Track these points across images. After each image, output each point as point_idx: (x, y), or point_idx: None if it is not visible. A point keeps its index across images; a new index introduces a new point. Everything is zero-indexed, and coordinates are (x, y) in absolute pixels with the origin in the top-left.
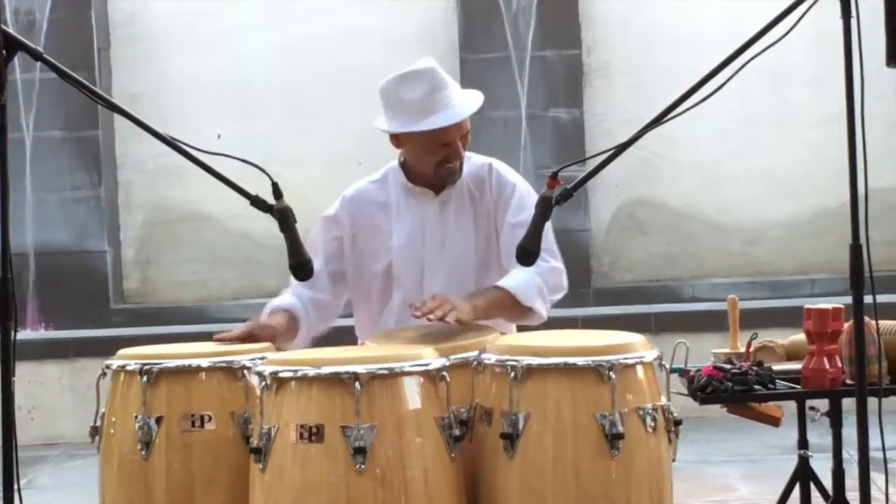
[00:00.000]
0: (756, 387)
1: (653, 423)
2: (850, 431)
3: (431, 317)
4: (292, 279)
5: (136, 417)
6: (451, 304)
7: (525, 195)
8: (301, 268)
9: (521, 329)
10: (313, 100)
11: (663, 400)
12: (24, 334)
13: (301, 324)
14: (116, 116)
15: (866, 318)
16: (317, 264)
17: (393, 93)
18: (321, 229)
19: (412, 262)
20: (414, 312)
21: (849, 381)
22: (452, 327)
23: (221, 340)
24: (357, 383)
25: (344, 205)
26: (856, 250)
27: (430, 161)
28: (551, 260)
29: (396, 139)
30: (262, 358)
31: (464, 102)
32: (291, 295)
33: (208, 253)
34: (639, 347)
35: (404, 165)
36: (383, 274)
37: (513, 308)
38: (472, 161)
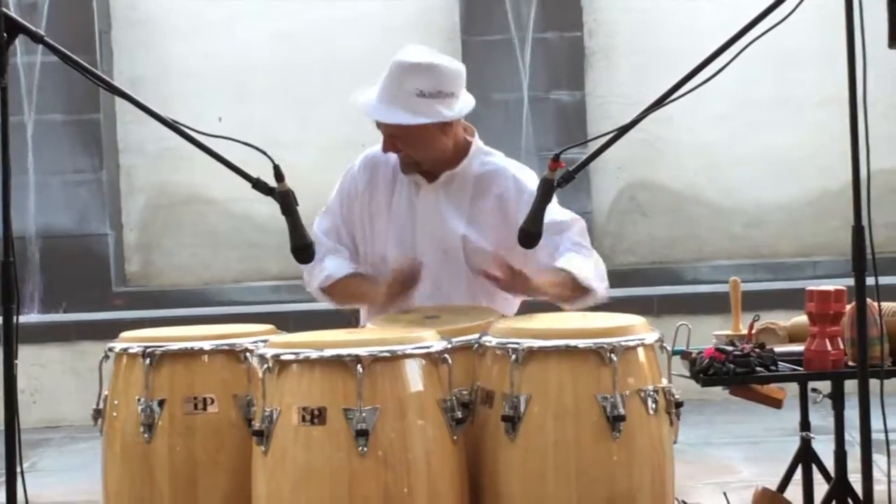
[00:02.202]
0: (758, 369)
1: (654, 406)
2: (851, 413)
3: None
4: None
5: (139, 400)
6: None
7: None
8: (303, 250)
9: (520, 312)
10: (314, 85)
11: (665, 382)
12: (26, 317)
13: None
14: (118, 99)
15: (868, 300)
16: (338, 221)
17: None
18: (342, 179)
19: (403, 248)
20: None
21: (851, 363)
22: (455, 309)
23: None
24: (359, 366)
25: (362, 164)
26: (858, 232)
27: None
28: (595, 252)
29: None
30: (265, 341)
31: (397, 109)
32: (338, 260)
33: (210, 236)
34: (640, 329)
35: None
36: (379, 254)
37: (570, 288)
38: (489, 160)
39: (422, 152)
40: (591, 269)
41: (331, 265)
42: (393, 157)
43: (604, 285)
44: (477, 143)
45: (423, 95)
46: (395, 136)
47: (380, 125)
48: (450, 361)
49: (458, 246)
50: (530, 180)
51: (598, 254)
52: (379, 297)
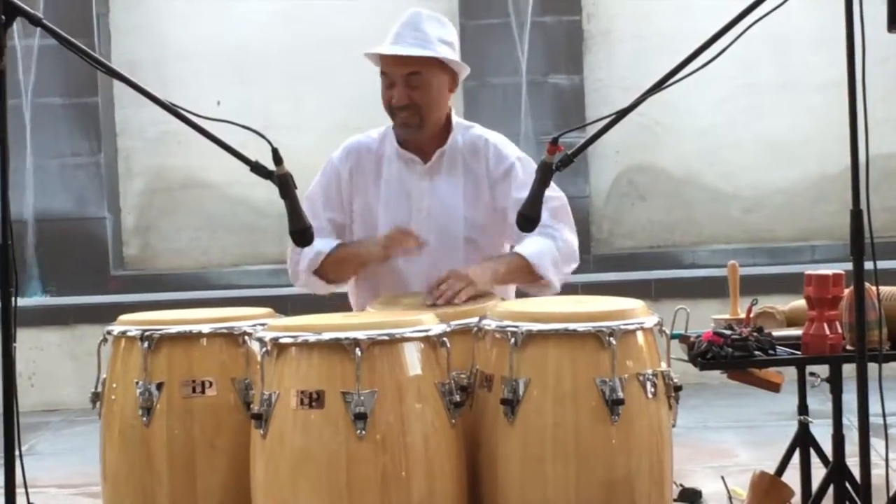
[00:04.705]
0: (756, 353)
1: (653, 389)
2: (850, 397)
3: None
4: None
5: (137, 383)
6: (465, 282)
7: (527, 170)
8: (301, 234)
9: (520, 295)
10: (311, 66)
11: (663, 366)
12: (24, 301)
13: None
14: (116, 83)
15: (867, 284)
16: (320, 214)
17: None
18: (322, 172)
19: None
20: (430, 300)
21: (849, 347)
22: None
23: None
24: (357, 349)
25: (344, 152)
26: (856, 216)
27: (385, 99)
28: (566, 231)
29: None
30: (263, 324)
31: (420, 47)
32: (324, 239)
33: (208, 220)
34: (639, 313)
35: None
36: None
37: (528, 276)
38: (471, 132)
39: (432, 101)
40: (550, 256)
41: (318, 244)
42: (375, 142)
43: (566, 270)
44: (455, 116)
45: (442, 42)
46: (410, 79)
47: (396, 69)
48: (448, 345)
49: (459, 225)
50: (508, 148)
51: (571, 234)
52: (375, 249)
